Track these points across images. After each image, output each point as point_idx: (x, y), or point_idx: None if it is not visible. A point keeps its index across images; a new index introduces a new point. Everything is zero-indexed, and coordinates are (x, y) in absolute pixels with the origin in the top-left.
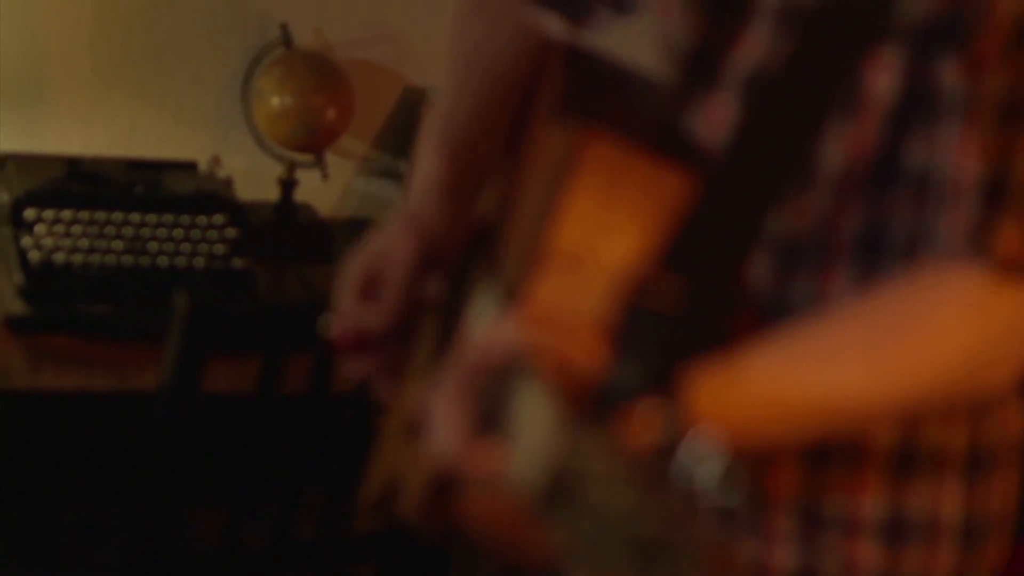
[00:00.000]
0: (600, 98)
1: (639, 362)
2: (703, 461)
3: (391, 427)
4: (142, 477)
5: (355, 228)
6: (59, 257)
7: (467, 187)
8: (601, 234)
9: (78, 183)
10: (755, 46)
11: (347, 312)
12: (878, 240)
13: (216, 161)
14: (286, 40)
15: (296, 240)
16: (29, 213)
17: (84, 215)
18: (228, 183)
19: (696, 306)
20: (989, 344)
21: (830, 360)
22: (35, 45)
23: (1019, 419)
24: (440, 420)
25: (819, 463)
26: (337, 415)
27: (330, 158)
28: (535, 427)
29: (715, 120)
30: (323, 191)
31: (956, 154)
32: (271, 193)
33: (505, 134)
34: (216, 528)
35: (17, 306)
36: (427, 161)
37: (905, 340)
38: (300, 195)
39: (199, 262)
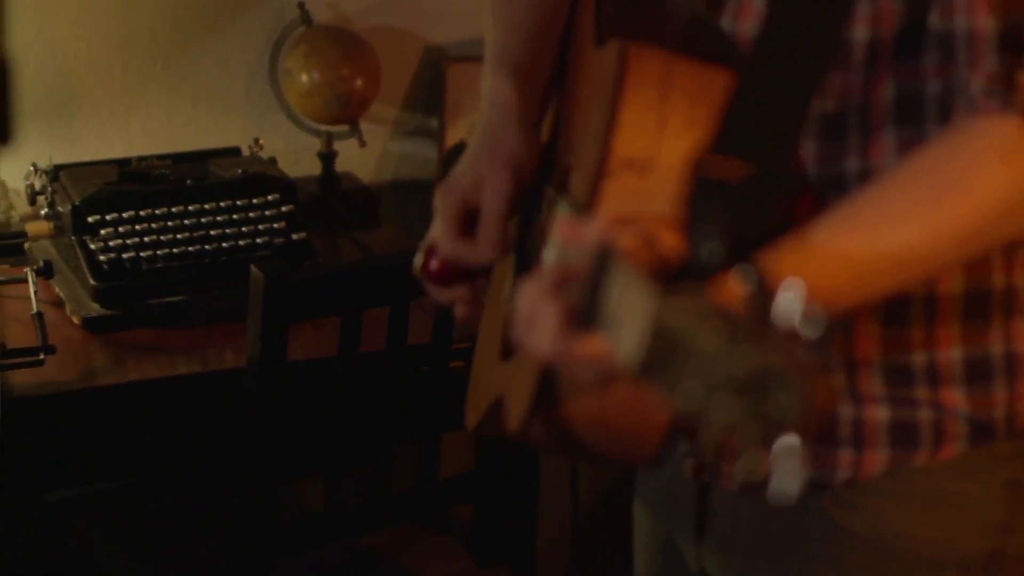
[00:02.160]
0: (636, 16)
1: (716, 238)
2: (791, 306)
3: (483, 355)
4: (240, 452)
5: (397, 189)
6: (127, 256)
7: (535, 106)
8: (660, 140)
9: (132, 183)
10: None
11: (447, 247)
12: (915, 107)
13: (257, 143)
14: (305, 18)
15: (343, 208)
16: (92, 218)
17: (144, 213)
18: (273, 162)
19: (756, 182)
20: None
21: (890, 221)
22: (66, 58)
23: None
24: (537, 321)
25: (898, 321)
26: (416, 365)
27: (364, 125)
28: (631, 303)
29: (748, 18)
30: (362, 158)
31: (970, 13)
32: (313, 167)
33: (554, 57)
34: (316, 492)
35: (93, 308)
36: (493, 87)
37: (951, 192)
38: (340, 165)
39: (260, 240)
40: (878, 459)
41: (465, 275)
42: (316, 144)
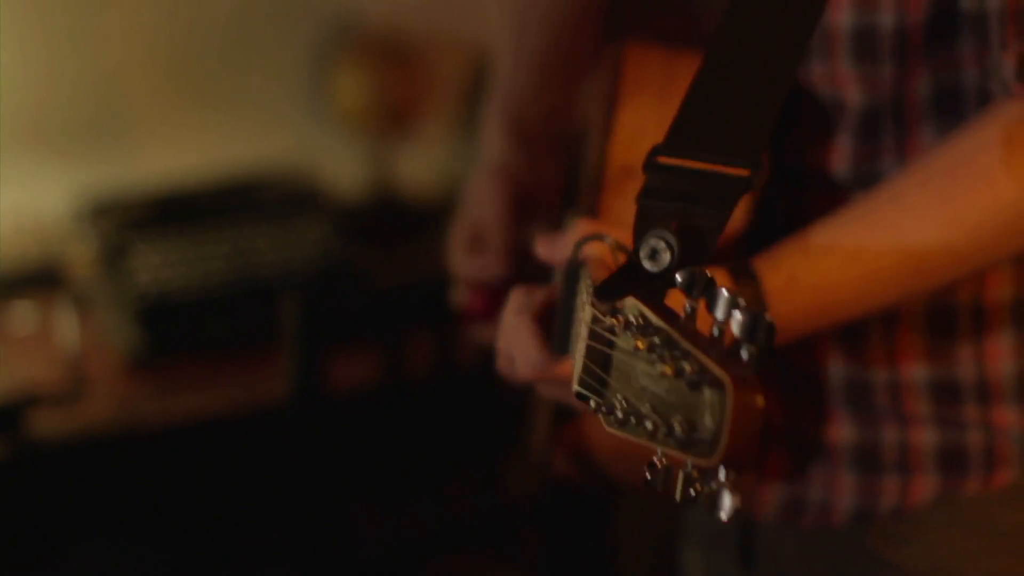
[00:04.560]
0: (650, 11)
1: (666, 240)
2: (735, 314)
3: None
4: (289, 485)
5: (454, 199)
6: (168, 286)
7: (538, 154)
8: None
9: (173, 211)
10: None
11: (460, 272)
12: (953, 100)
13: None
14: (352, 27)
15: (398, 223)
16: (132, 247)
17: (185, 241)
18: (317, 180)
19: (716, 178)
20: None
21: (904, 217)
22: (115, 82)
23: None
24: (513, 349)
25: (943, 332)
26: (466, 385)
27: (417, 132)
28: (581, 324)
29: None
30: (415, 167)
31: None
32: (364, 178)
33: (574, 90)
34: (375, 519)
35: (135, 340)
36: (489, 146)
37: (974, 184)
38: (394, 174)
39: (303, 264)
40: (926, 486)
41: (494, 303)
42: (367, 154)
